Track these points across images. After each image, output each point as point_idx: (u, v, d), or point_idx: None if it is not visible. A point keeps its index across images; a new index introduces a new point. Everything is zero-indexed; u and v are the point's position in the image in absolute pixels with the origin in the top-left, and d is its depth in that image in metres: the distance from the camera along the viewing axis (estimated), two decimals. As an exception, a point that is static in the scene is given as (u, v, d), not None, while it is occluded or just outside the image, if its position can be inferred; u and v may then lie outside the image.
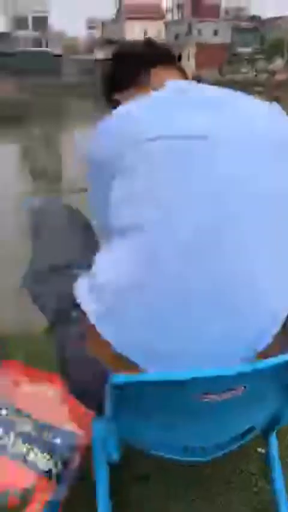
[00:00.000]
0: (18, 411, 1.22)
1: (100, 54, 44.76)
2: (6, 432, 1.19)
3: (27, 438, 1.16)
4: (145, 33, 49.18)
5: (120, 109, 1.05)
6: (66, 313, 1.06)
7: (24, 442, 1.16)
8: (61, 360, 1.04)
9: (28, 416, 1.19)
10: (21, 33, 43.71)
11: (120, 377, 0.78)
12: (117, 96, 1.19)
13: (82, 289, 0.99)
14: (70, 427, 1.12)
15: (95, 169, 1.04)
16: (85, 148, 1.07)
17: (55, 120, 20.75)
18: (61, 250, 1.18)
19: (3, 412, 1.23)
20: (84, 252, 1.19)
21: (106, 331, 0.91)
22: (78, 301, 1.00)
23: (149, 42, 1.25)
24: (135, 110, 1.00)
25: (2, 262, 3.11)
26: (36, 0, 43.70)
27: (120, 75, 1.18)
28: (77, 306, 1.03)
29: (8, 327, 2.00)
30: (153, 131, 0.91)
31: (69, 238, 1.22)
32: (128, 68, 1.17)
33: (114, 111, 1.04)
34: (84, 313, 0.98)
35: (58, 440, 1.12)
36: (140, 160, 0.91)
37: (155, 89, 1.09)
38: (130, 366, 0.90)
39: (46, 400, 1.19)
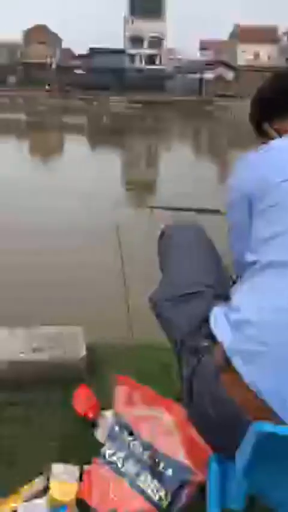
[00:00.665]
0: (130, 430, 1.22)
1: (209, 75, 45.27)
2: (119, 449, 1.19)
3: (137, 460, 1.16)
4: (256, 56, 48.80)
5: (274, 144, 1.04)
6: (195, 341, 1.04)
7: (134, 464, 1.15)
8: (187, 389, 1.02)
9: (140, 438, 1.18)
10: (136, 51, 45.72)
11: (267, 426, 0.73)
12: (267, 127, 1.17)
13: (220, 322, 0.97)
14: (183, 458, 1.09)
15: (239, 201, 1.04)
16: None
17: (157, 135, 21.32)
18: (194, 273, 1.17)
19: (116, 428, 1.24)
20: (217, 279, 1.17)
21: (246, 370, 0.88)
22: (214, 332, 0.97)
23: None
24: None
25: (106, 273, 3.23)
26: (153, 24, 45.47)
27: (278, 106, 1.15)
28: (209, 336, 1.01)
29: (124, 340, 2.04)
30: None
31: (201, 262, 1.21)
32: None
33: (266, 146, 1.04)
34: (218, 345, 0.96)
35: (170, 472, 1.09)
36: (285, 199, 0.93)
37: None
38: (266, 411, 0.85)
39: (160, 425, 1.17)
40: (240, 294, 0.98)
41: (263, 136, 1.16)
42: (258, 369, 0.86)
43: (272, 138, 1.12)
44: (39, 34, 50.95)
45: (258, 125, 1.20)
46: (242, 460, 0.81)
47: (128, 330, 2.21)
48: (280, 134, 1.13)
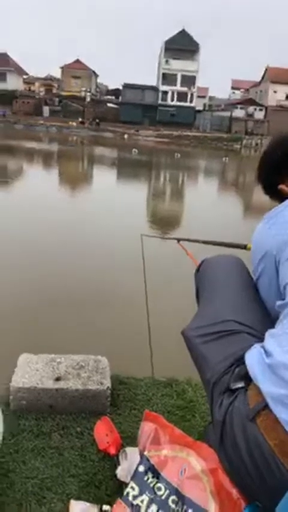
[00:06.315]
0: (156, 472, 1.16)
1: (239, 113, 46.03)
2: (143, 492, 1.13)
3: (162, 504, 1.09)
4: (287, 96, 49.49)
5: None
6: (229, 381, 1.00)
7: (159, 509, 1.09)
8: (219, 431, 0.97)
9: (166, 481, 1.12)
10: (168, 88, 47.00)
11: None
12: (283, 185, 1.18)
13: (257, 363, 0.94)
14: (213, 509, 1.03)
15: (263, 257, 1.09)
16: None
17: (181, 170, 21.58)
18: (231, 311, 1.15)
19: (141, 469, 1.18)
20: (255, 318, 1.14)
21: (284, 416, 0.83)
22: (251, 374, 0.94)
23: None
24: None
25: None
26: (187, 62, 46.87)
27: None
28: (244, 377, 0.97)
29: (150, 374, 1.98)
30: None
31: (239, 299, 1.19)
32: None
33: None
34: (254, 387, 0.92)
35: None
36: None
37: None
38: None
39: (187, 468, 1.11)
40: (277, 336, 0.95)
41: (275, 195, 1.16)
42: None
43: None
44: (75, 69, 53.07)
45: (271, 186, 1.21)
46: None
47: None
48: None
